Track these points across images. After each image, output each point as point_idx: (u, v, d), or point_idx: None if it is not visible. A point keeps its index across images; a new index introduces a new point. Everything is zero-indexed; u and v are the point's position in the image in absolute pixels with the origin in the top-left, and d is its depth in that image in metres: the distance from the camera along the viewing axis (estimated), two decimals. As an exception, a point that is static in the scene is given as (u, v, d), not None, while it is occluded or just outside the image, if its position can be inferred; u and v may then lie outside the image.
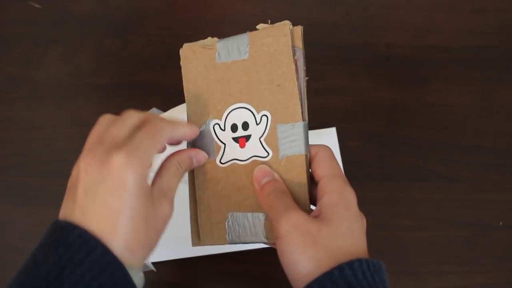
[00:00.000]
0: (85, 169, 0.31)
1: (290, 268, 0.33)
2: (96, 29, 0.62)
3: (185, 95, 0.40)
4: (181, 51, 0.40)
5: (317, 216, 0.34)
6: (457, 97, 0.58)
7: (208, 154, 0.39)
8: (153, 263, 0.51)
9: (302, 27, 0.38)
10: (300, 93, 0.37)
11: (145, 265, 0.51)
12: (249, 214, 0.38)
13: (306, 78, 0.38)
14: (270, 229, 0.37)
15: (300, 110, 0.37)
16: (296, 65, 0.37)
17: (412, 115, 0.58)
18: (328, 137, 0.56)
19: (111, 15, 0.63)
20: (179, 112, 0.53)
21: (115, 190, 0.30)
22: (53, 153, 0.58)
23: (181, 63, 0.40)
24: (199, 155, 0.39)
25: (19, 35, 0.63)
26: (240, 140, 0.39)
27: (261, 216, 0.38)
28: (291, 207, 0.34)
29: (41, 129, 0.59)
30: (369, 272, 0.31)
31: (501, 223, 0.54)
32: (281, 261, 0.33)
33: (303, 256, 0.32)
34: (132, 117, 0.34)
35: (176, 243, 0.51)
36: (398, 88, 0.59)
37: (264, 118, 0.38)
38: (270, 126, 0.38)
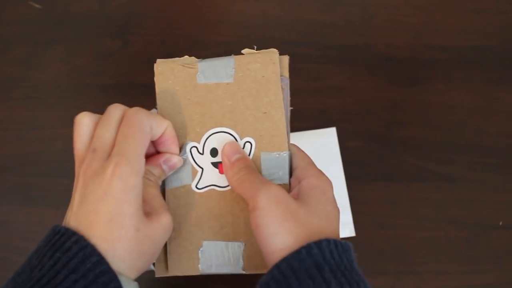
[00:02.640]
0: (82, 178, 0.32)
1: (265, 242, 0.32)
2: (96, 29, 0.62)
3: (158, 113, 0.38)
4: (155, 66, 0.38)
5: (296, 197, 0.34)
6: (457, 97, 0.58)
7: (182, 179, 0.38)
8: (153, 263, 0.51)
9: (288, 57, 0.38)
10: (286, 122, 0.37)
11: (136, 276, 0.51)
12: (227, 243, 0.37)
13: (291, 108, 0.37)
14: (250, 259, 0.36)
15: (287, 140, 0.37)
16: (283, 94, 0.37)
17: (412, 115, 0.58)
18: (328, 137, 0.56)
19: (111, 15, 0.63)
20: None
21: (104, 197, 0.30)
22: (53, 153, 0.57)
23: (155, 79, 0.38)
24: (170, 161, 0.37)
25: (19, 35, 0.62)
26: (220, 165, 0.37)
27: (240, 245, 0.36)
28: (268, 182, 0.34)
29: (41, 129, 0.59)
30: (337, 252, 0.31)
31: (501, 223, 0.54)
32: (255, 233, 0.33)
33: (281, 229, 0.32)
34: (116, 111, 0.34)
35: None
36: (398, 88, 0.59)
37: (248, 144, 0.37)
38: (254, 153, 0.37)
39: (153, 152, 0.37)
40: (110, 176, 0.30)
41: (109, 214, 0.30)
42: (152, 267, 0.51)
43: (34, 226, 0.55)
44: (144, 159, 0.33)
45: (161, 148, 0.37)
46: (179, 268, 0.38)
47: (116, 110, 0.34)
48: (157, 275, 0.38)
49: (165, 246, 0.37)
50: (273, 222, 0.32)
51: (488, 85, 0.59)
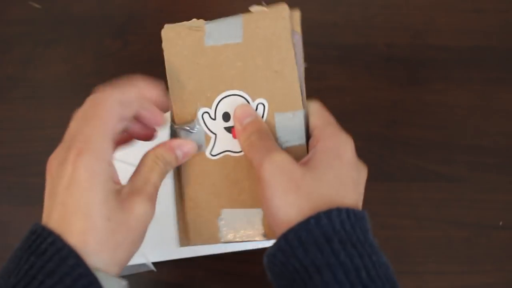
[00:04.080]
0: (49, 172, 0.31)
1: (270, 214, 0.31)
2: (96, 29, 0.62)
3: (168, 81, 0.36)
4: (163, 32, 0.36)
5: (306, 163, 0.32)
6: (457, 97, 0.58)
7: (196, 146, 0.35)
8: (153, 263, 0.51)
9: (300, 11, 0.35)
10: (299, 80, 0.35)
11: (145, 265, 0.51)
12: (245, 210, 0.35)
13: (305, 65, 0.35)
14: (270, 225, 0.34)
15: (301, 98, 0.35)
16: (295, 50, 0.35)
17: (412, 115, 0.58)
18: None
19: (111, 15, 0.63)
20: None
21: (69, 187, 0.29)
22: (53, 153, 0.57)
23: (163, 45, 0.36)
24: (185, 146, 0.35)
25: (19, 35, 0.62)
26: (233, 130, 0.36)
27: (259, 211, 0.35)
28: (275, 149, 0.32)
29: (41, 129, 0.59)
30: (349, 222, 0.29)
31: (501, 223, 0.54)
32: (262, 204, 0.32)
33: (284, 201, 0.30)
34: (85, 104, 0.32)
35: (176, 243, 0.51)
36: (398, 88, 0.59)
37: (261, 106, 0.35)
38: (268, 114, 0.35)
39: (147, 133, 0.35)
40: (72, 166, 0.29)
41: (76, 205, 0.28)
42: (151, 266, 0.51)
43: (34, 226, 0.55)
44: (112, 141, 0.30)
45: (147, 122, 0.34)
46: (200, 238, 0.36)
47: (87, 101, 0.32)
48: (180, 246, 0.37)
49: (184, 216, 0.36)
50: (276, 195, 0.30)
51: (487, 85, 0.59)
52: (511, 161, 0.56)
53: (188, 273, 0.53)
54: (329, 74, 0.60)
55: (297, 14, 0.35)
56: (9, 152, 0.58)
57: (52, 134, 0.58)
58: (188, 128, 0.36)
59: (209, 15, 0.63)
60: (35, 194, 0.56)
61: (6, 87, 0.61)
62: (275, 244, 0.30)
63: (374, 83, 0.59)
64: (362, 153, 0.58)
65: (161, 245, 0.51)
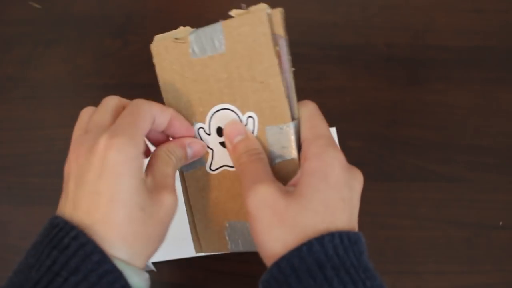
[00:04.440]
0: (75, 160, 0.30)
1: (259, 247, 0.31)
2: (96, 29, 0.62)
3: (163, 97, 0.36)
4: (152, 46, 0.35)
5: (295, 185, 0.31)
6: (456, 97, 0.58)
7: (196, 161, 0.36)
8: (153, 263, 0.51)
9: (282, 9, 0.31)
10: (287, 88, 0.32)
11: (145, 265, 0.51)
12: (248, 223, 0.35)
13: (293, 69, 0.32)
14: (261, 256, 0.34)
15: (288, 109, 0.32)
16: (279, 56, 0.31)
17: (412, 115, 0.58)
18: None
19: (111, 15, 0.63)
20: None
21: (102, 174, 0.28)
22: (53, 153, 0.57)
23: (154, 60, 0.35)
24: (195, 145, 0.35)
25: (19, 35, 0.62)
26: None
27: None
28: (260, 179, 0.31)
29: (41, 129, 0.59)
30: (342, 246, 0.29)
31: (501, 223, 0.54)
32: (252, 236, 0.31)
33: (269, 236, 0.30)
34: (111, 100, 0.33)
35: (176, 243, 0.51)
36: (398, 88, 0.59)
37: (250, 120, 0.33)
38: (258, 128, 0.33)
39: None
40: (104, 149, 0.28)
41: (110, 192, 0.27)
42: (151, 266, 0.51)
43: (34, 226, 0.55)
44: (144, 139, 0.31)
45: (176, 133, 0.35)
46: (211, 247, 0.37)
47: (111, 100, 0.33)
48: (196, 252, 0.38)
49: (195, 226, 0.37)
50: (262, 230, 0.30)
51: (487, 85, 0.59)
52: (511, 161, 0.56)
53: (188, 273, 0.53)
54: (329, 74, 0.60)
55: (278, 14, 0.31)
56: (9, 152, 0.58)
57: (52, 134, 0.59)
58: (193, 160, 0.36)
59: (209, 15, 0.63)
60: (35, 194, 0.57)
61: (6, 87, 0.61)
62: (268, 272, 0.30)
63: (374, 83, 0.59)
64: (362, 153, 0.58)
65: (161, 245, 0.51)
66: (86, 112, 0.33)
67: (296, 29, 0.61)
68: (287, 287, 0.28)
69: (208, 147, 0.35)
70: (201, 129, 0.35)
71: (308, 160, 0.31)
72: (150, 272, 0.51)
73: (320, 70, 0.60)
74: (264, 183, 0.30)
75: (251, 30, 0.31)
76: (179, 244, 0.50)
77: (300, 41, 0.60)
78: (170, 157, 0.33)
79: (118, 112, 0.32)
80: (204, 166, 0.36)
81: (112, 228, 0.28)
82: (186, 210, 0.37)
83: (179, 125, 0.34)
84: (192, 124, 0.35)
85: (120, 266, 0.28)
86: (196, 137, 0.36)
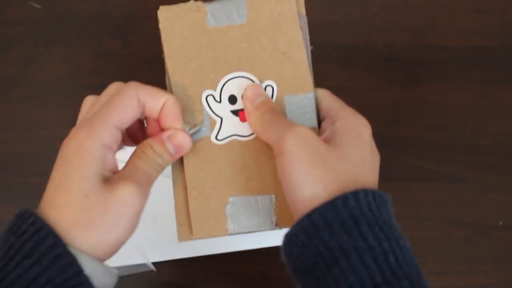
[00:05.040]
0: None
1: (292, 189, 0.29)
2: (96, 29, 0.62)
3: (166, 63, 0.35)
4: (159, 12, 0.35)
5: (326, 141, 0.31)
6: (457, 97, 0.58)
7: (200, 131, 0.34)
8: (153, 263, 0.51)
9: None
10: (308, 62, 0.34)
11: (145, 265, 0.51)
12: (256, 197, 0.33)
13: (311, 47, 0.35)
14: (283, 213, 0.33)
15: (311, 79, 0.34)
16: (302, 32, 0.34)
17: (412, 115, 0.58)
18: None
19: (111, 15, 0.63)
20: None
21: (57, 162, 0.29)
22: (53, 153, 0.57)
23: (160, 25, 0.35)
24: (175, 138, 0.32)
25: (19, 35, 0.62)
26: (240, 113, 0.34)
27: (272, 198, 0.33)
28: (296, 123, 0.31)
29: (41, 129, 0.59)
30: (375, 204, 0.28)
31: (501, 223, 0.54)
32: (281, 180, 0.30)
33: (309, 176, 0.29)
34: (109, 88, 0.32)
35: (176, 243, 0.51)
36: (398, 88, 0.59)
37: (269, 88, 0.34)
38: (277, 97, 0.34)
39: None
40: (66, 140, 0.29)
41: (59, 179, 0.28)
42: (152, 266, 0.51)
43: (34, 226, 0.55)
44: (116, 130, 0.30)
45: (163, 125, 0.33)
46: (204, 230, 0.34)
47: (111, 87, 0.33)
48: (180, 240, 0.34)
49: (187, 206, 0.34)
50: (301, 168, 0.29)
51: (488, 85, 0.59)
52: (511, 161, 0.56)
53: (188, 273, 0.53)
54: (329, 74, 0.60)
55: None
56: (9, 152, 0.58)
57: (52, 134, 0.59)
58: (195, 130, 0.34)
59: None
60: (35, 194, 0.56)
61: (6, 87, 0.61)
62: (297, 223, 0.28)
63: (374, 83, 0.59)
64: (362, 153, 0.58)
65: (161, 245, 0.51)
66: (90, 100, 0.33)
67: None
68: (318, 241, 0.27)
69: (217, 115, 0.35)
70: (210, 97, 0.35)
71: (341, 119, 0.32)
72: (150, 272, 0.51)
73: (320, 70, 0.59)
74: (303, 126, 0.30)
75: (277, 4, 0.34)
76: (179, 244, 0.50)
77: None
78: (144, 151, 0.32)
79: None
80: (209, 136, 0.34)
81: (53, 212, 0.28)
82: (175, 190, 0.35)
83: (169, 113, 0.32)
84: (200, 91, 0.35)
85: (74, 252, 0.27)
86: (202, 110, 0.35)
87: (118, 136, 0.31)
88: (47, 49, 0.62)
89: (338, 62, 0.60)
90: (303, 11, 0.35)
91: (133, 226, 0.30)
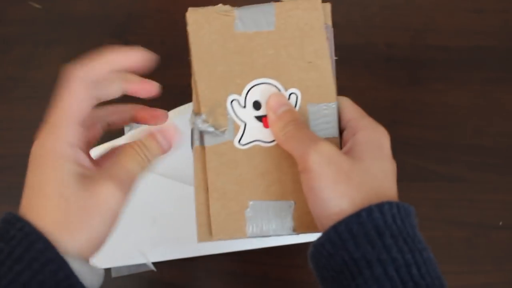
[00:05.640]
0: None
1: (318, 206, 0.30)
2: (96, 29, 0.62)
3: (193, 66, 0.35)
4: (188, 14, 0.36)
5: (347, 154, 0.31)
6: (457, 97, 0.58)
7: (224, 134, 0.34)
8: (153, 263, 0.51)
9: (330, 4, 0.35)
10: (333, 71, 0.35)
11: (145, 265, 0.51)
12: (275, 203, 0.34)
13: (335, 58, 0.36)
14: (300, 219, 0.34)
15: (335, 89, 0.35)
16: (328, 42, 0.35)
17: (412, 115, 0.58)
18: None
19: (111, 15, 0.63)
20: (179, 113, 0.52)
21: (30, 168, 0.29)
22: (53, 153, 0.57)
23: (189, 28, 0.35)
24: (168, 132, 0.32)
25: (19, 35, 0.62)
26: (264, 119, 0.35)
27: (291, 204, 0.34)
28: (319, 138, 0.31)
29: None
30: (399, 216, 0.29)
31: (501, 223, 0.54)
32: (307, 197, 0.31)
33: (335, 193, 0.29)
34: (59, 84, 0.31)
35: (176, 243, 0.51)
36: (398, 88, 0.59)
37: (293, 96, 0.35)
38: (300, 105, 0.34)
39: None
40: (33, 147, 0.29)
41: (34, 184, 0.28)
42: (152, 266, 0.51)
43: (34, 226, 0.55)
44: (77, 124, 0.29)
45: (138, 95, 0.33)
46: (224, 232, 0.34)
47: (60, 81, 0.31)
48: (199, 241, 0.34)
49: (208, 208, 0.34)
50: (326, 186, 0.29)
51: (488, 85, 0.59)
52: (511, 161, 0.56)
53: (188, 273, 0.53)
54: (329, 74, 0.60)
55: (328, 7, 0.35)
56: (9, 152, 0.58)
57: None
58: (218, 132, 0.35)
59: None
60: (35, 194, 0.56)
61: (6, 87, 0.61)
62: (324, 234, 0.29)
63: (374, 83, 0.59)
64: (362, 153, 0.58)
65: (161, 245, 0.51)
66: None
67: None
68: (344, 252, 0.28)
69: (241, 120, 0.35)
70: (234, 101, 0.35)
71: (362, 130, 0.32)
72: (150, 272, 0.51)
73: (320, 70, 0.60)
74: (326, 142, 0.31)
75: (305, 14, 0.34)
76: (179, 244, 0.50)
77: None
78: (133, 148, 0.31)
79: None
80: (232, 140, 0.35)
81: (38, 219, 0.28)
82: (197, 191, 0.35)
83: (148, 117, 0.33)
84: (226, 95, 0.35)
85: (65, 256, 0.27)
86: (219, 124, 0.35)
87: (82, 132, 0.30)
88: (47, 49, 0.62)
89: (338, 62, 0.60)
90: (329, 22, 0.35)
91: (114, 224, 0.30)
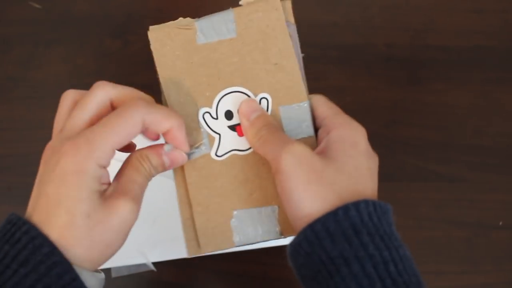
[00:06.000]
0: (43, 162, 0.31)
1: (291, 207, 0.30)
2: (96, 29, 0.62)
3: (161, 84, 0.35)
4: (150, 33, 0.35)
5: (321, 153, 0.31)
6: (456, 97, 0.58)
7: (200, 148, 0.34)
8: (153, 263, 0.51)
9: (290, 0, 0.35)
10: (301, 69, 0.34)
11: (145, 265, 0.51)
12: (259, 209, 0.34)
13: (302, 54, 0.35)
14: (286, 222, 0.34)
15: (305, 88, 0.34)
16: (292, 41, 0.34)
17: (412, 115, 0.58)
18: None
19: (111, 15, 0.63)
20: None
21: (55, 180, 0.28)
22: (53, 153, 0.57)
23: (152, 47, 0.35)
24: (173, 154, 0.33)
25: (19, 35, 0.62)
26: (237, 128, 0.35)
27: (274, 208, 0.34)
28: (291, 140, 0.31)
29: (41, 129, 0.59)
30: (376, 214, 0.29)
31: (501, 223, 0.54)
32: (281, 198, 0.31)
33: (307, 193, 0.29)
34: (98, 95, 0.31)
35: (176, 243, 0.51)
36: (398, 88, 0.59)
37: (264, 101, 0.34)
38: (272, 109, 0.34)
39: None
40: (61, 155, 0.28)
41: (57, 197, 0.28)
42: (152, 266, 0.51)
43: (34, 226, 0.55)
44: (113, 151, 0.30)
45: (168, 141, 0.33)
46: (212, 244, 0.34)
47: (99, 92, 0.31)
48: (190, 255, 0.35)
49: (193, 222, 0.34)
50: (298, 186, 0.29)
51: (487, 85, 0.59)
52: (511, 161, 0.56)
53: (188, 273, 0.53)
54: (329, 74, 0.60)
55: (288, 3, 0.35)
56: (9, 152, 0.58)
57: (52, 134, 0.59)
58: (195, 148, 0.35)
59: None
60: (35, 194, 0.57)
61: (6, 87, 0.61)
62: (300, 234, 0.29)
63: (374, 83, 0.59)
64: (362, 153, 0.58)
65: (161, 245, 0.51)
66: (71, 96, 0.32)
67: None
68: (321, 250, 0.28)
69: (214, 132, 0.35)
70: (206, 114, 0.35)
71: (336, 129, 0.32)
72: (150, 272, 0.51)
73: (320, 70, 0.60)
74: (298, 142, 0.31)
75: (265, 16, 0.34)
76: (179, 244, 0.50)
77: (300, 41, 0.60)
78: (142, 164, 0.32)
79: (101, 111, 0.31)
80: (209, 152, 0.35)
81: (57, 231, 0.27)
82: (181, 207, 0.35)
83: (173, 138, 0.32)
84: (197, 110, 0.35)
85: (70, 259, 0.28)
86: (200, 129, 0.35)
87: (113, 155, 0.30)
88: (47, 49, 0.62)
89: (338, 62, 0.60)
90: (291, 19, 0.35)
91: (126, 239, 0.31)
